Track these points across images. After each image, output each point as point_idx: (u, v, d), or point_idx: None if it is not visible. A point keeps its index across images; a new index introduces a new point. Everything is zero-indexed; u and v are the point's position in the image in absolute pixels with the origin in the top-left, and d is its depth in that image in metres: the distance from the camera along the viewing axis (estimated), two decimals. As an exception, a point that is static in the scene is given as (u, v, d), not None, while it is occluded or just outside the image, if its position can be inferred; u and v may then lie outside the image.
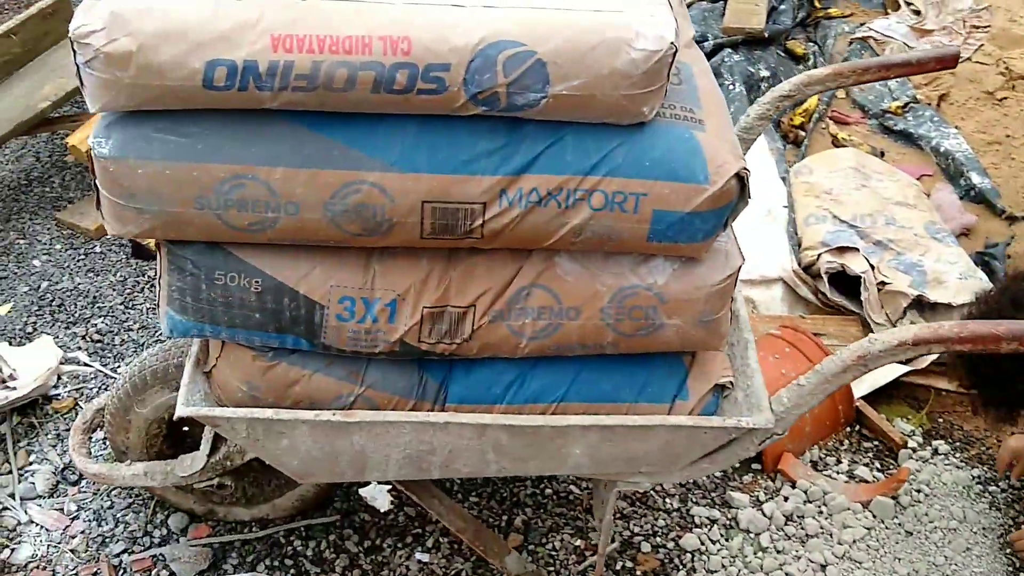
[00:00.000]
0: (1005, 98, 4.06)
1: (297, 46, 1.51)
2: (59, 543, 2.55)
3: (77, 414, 2.86)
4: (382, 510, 2.65)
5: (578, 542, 2.61)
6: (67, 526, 2.59)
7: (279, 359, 1.87)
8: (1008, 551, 2.55)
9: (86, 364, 3.02)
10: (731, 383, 2.01)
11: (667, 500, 2.72)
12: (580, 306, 1.81)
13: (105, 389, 2.94)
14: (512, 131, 1.65)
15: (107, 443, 2.74)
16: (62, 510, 2.63)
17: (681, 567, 2.55)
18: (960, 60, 4.24)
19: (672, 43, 1.56)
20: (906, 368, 2.93)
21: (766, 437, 1.94)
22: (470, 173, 1.64)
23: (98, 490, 2.67)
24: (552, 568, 2.55)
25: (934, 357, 2.96)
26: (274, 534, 2.59)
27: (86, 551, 2.54)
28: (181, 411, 1.84)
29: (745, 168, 1.70)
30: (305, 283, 1.76)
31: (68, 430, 2.82)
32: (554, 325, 1.83)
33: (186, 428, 2.54)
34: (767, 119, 2.38)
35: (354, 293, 1.78)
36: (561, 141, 1.65)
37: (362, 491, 2.68)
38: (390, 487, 2.69)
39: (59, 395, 2.93)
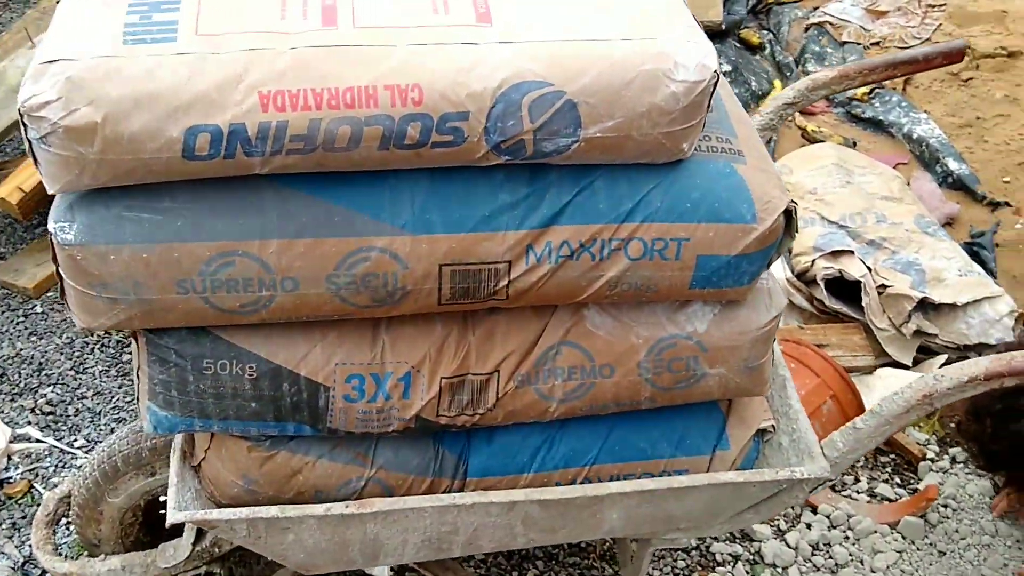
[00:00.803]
0: (971, 78, 3.99)
1: (291, 103, 1.29)
2: (29, 650, 2.30)
3: (32, 498, 2.60)
4: (383, 577, 2.45)
5: (598, 592, 2.44)
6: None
7: (277, 447, 1.66)
8: (1044, 562, 2.45)
9: (38, 440, 2.74)
10: (773, 427, 1.84)
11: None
12: (614, 363, 1.63)
13: (63, 466, 2.67)
14: (535, 178, 1.46)
15: (72, 531, 2.48)
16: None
17: (712, 610, 2.39)
18: (920, 41, 4.17)
19: (715, 72, 1.38)
20: (918, 376, 2.81)
21: (818, 485, 1.78)
22: (492, 230, 1.45)
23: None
24: (577, 625, 2.37)
25: (944, 360, 2.86)
26: (268, 619, 2.36)
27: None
28: (175, 517, 1.61)
29: (793, 202, 1.53)
30: (306, 364, 1.55)
31: (24, 518, 2.56)
32: (587, 385, 1.64)
33: (163, 512, 2.31)
34: (772, 130, 2.22)
35: (363, 370, 1.57)
36: (591, 187, 1.46)
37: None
38: (390, 551, 2.49)
39: (11, 478, 2.65)
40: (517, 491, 1.68)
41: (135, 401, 2.83)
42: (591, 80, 1.34)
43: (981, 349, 2.86)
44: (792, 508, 2.59)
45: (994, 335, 2.83)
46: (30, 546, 2.44)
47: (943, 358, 2.87)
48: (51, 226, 1.37)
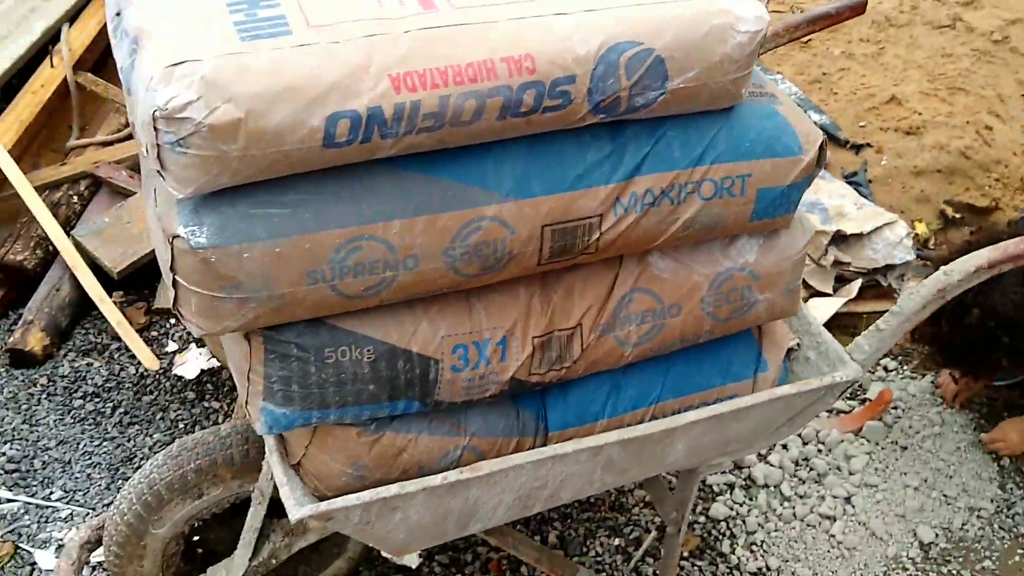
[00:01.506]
0: (809, 40, 4.39)
1: (419, 83, 1.36)
2: None
3: (21, 559, 2.46)
4: (414, 566, 2.50)
5: (616, 541, 2.58)
6: None
7: (382, 429, 1.70)
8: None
9: (10, 500, 2.60)
10: (798, 345, 2.05)
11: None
12: (681, 301, 1.77)
13: (45, 521, 2.54)
14: (616, 135, 1.58)
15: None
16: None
17: (722, 537, 2.58)
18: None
19: (768, 21, 1.55)
20: (842, 300, 3.12)
21: (847, 388, 1.99)
22: (586, 187, 1.56)
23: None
24: (605, 573, 2.50)
25: (860, 284, 3.18)
26: (311, 624, 2.36)
27: None
28: (300, 512, 1.62)
29: (824, 136, 1.73)
30: (416, 340, 1.61)
31: (17, 580, 2.43)
32: (658, 326, 1.78)
33: (196, 537, 2.26)
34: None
35: (466, 339, 1.64)
36: (664, 137, 1.60)
37: (384, 553, 2.51)
38: (414, 540, 2.54)
39: (-10, 543, 2.50)
40: (606, 434, 1.79)
41: (103, 442, 2.74)
42: (673, 36, 1.48)
43: (887, 270, 3.21)
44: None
45: (898, 256, 3.18)
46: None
47: (858, 282, 3.19)
48: (180, 231, 1.37)
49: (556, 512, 2.63)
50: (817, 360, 2.02)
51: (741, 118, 1.65)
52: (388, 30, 1.37)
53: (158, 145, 1.31)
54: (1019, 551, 2.56)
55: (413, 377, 1.62)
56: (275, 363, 1.55)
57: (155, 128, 1.29)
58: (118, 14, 1.47)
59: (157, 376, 2.92)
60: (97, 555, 2.37)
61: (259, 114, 1.29)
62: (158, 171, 1.35)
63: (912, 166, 3.70)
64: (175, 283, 1.44)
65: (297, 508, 1.64)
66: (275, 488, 1.74)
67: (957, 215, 3.55)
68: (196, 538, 2.26)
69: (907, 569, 2.51)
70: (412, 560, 2.51)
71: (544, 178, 1.54)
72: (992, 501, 2.66)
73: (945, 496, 2.66)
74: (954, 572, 2.51)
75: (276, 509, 2.02)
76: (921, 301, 1.89)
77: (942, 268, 1.89)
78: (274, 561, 2.10)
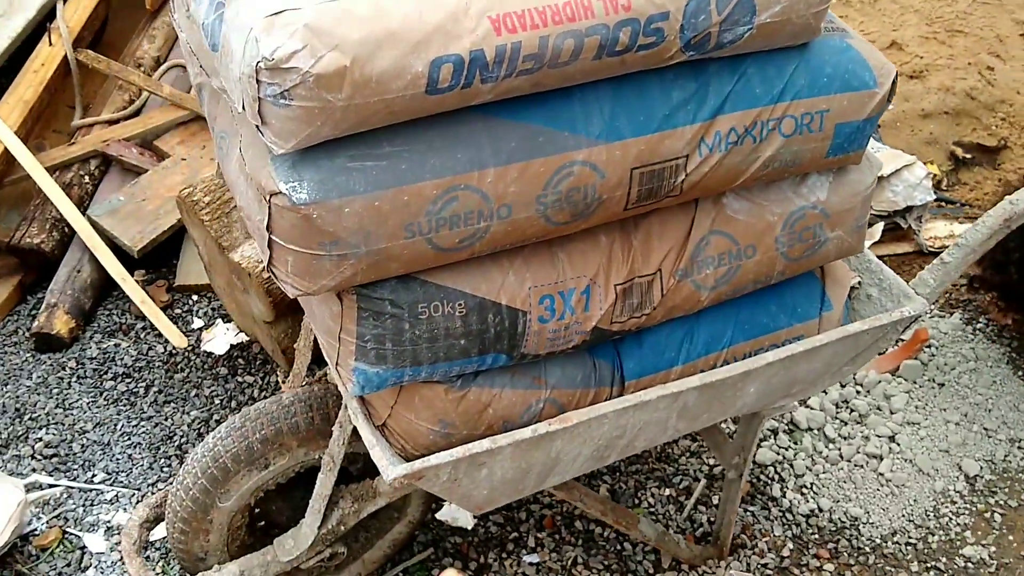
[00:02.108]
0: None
1: (519, 24, 1.33)
2: None
3: (70, 544, 2.42)
4: (468, 527, 2.49)
5: (667, 491, 2.59)
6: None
7: (468, 386, 1.68)
8: (1020, 372, 2.83)
9: (52, 485, 2.55)
10: (859, 283, 2.05)
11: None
12: (755, 242, 1.77)
13: (91, 504, 2.50)
14: (698, 75, 1.56)
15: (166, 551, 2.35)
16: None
17: (771, 481, 2.60)
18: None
19: (848, -49, 1.54)
20: (867, 243, 3.13)
21: (911, 323, 2.01)
22: (672, 127, 1.55)
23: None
24: (660, 522, 2.51)
25: (881, 227, 3.20)
26: (374, 591, 2.35)
27: None
28: (396, 472, 1.60)
29: (895, 67, 1.72)
30: (504, 293, 1.59)
31: (68, 565, 2.38)
32: (734, 268, 1.77)
33: (258, 510, 2.24)
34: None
35: (551, 289, 1.63)
36: (745, 75, 1.59)
37: (439, 515, 2.50)
38: (467, 501, 2.53)
39: (36, 530, 2.46)
40: (688, 379, 1.78)
41: (140, 422, 2.69)
42: (761, -30, 1.47)
43: (907, 212, 3.22)
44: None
45: (918, 197, 3.20)
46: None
47: (880, 225, 3.21)
48: (282, 187, 1.34)
49: (606, 467, 2.63)
50: (879, 297, 2.03)
51: (818, 53, 1.64)
52: (482, -29, 1.34)
53: (259, 98, 1.27)
54: (1062, 479, 2.61)
55: (502, 330, 1.60)
56: (368, 321, 1.52)
57: (257, 80, 1.25)
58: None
59: (186, 353, 2.88)
60: (155, 533, 2.34)
61: (364, 61, 1.26)
62: (257, 126, 1.31)
63: (919, 109, 3.72)
64: (270, 243, 1.41)
65: (392, 468, 1.62)
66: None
67: (967, 156, 3.58)
68: (257, 511, 2.23)
69: (955, 502, 2.55)
70: (468, 521, 2.51)
71: (632, 120, 1.52)
72: (1032, 432, 2.70)
73: (986, 429, 2.69)
74: (1001, 502, 2.55)
75: (342, 476, 2.01)
76: (987, 231, 1.90)
77: (1007, 198, 1.89)
78: (342, 528, 2.08)
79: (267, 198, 1.36)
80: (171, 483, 2.14)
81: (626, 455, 1.95)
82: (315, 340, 2.25)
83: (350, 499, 2.06)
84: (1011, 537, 2.48)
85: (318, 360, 2.25)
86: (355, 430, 1.90)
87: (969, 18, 4.18)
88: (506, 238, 1.51)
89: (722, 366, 1.87)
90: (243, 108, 1.31)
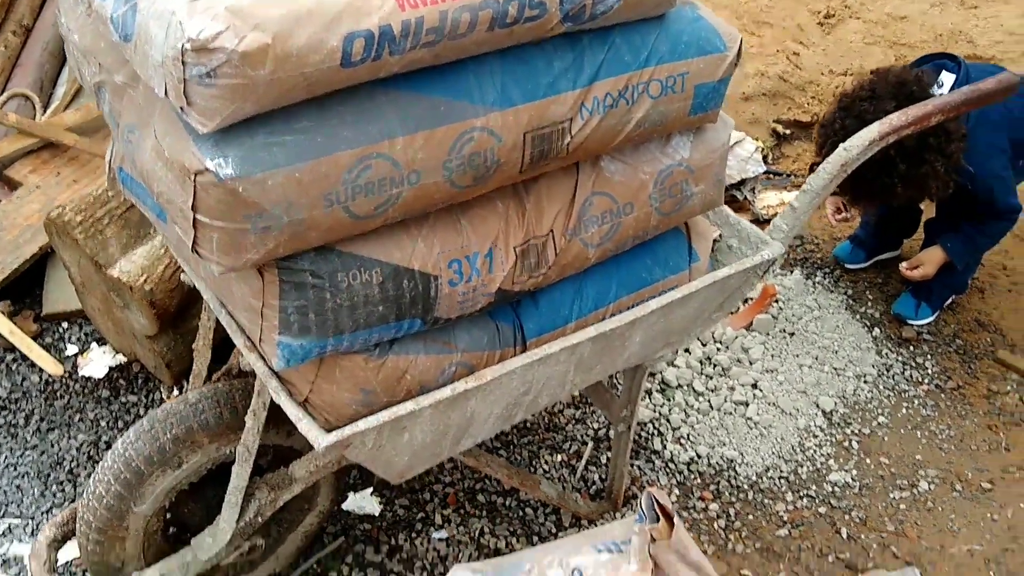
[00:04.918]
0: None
1: (420, 1, 1.45)
2: None
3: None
4: (376, 513, 2.56)
5: (559, 457, 2.73)
6: None
7: (385, 354, 1.77)
8: (857, 316, 3.14)
9: (-65, 526, 2.45)
10: (720, 235, 2.26)
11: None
12: (632, 200, 1.94)
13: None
14: (574, 46, 1.72)
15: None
16: None
17: (652, 436, 2.79)
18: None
19: (694, -70, 1.74)
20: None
21: (770, 267, 2.23)
22: (556, 93, 1.69)
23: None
24: (560, 483, 2.65)
25: (722, 199, 3.46)
26: (290, 585, 2.39)
27: None
28: (325, 441, 1.67)
29: (740, 34, 1.94)
30: (416, 258, 1.69)
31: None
32: (616, 225, 1.94)
33: (170, 515, 2.23)
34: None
35: (458, 254, 1.74)
36: (614, 45, 1.76)
37: (346, 505, 2.56)
38: (372, 490, 2.61)
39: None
40: (583, 331, 1.93)
41: (25, 451, 2.62)
42: (625, -53, 1.64)
43: (741, 184, 3.51)
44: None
45: (750, 170, 3.49)
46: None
47: (720, 198, 3.47)
48: (208, 165, 1.40)
49: (499, 441, 2.75)
50: (740, 246, 2.25)
51: (675, 22, 1.82)
52: (383, -47, 1.45)
53: (184, 80, 1.33)
54: (904, 405, 2.91)
55: (416, 295, 1.70)
56: (291, 293, 1.59)
57: (183, 62, 1.32)
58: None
59: (64, 380, 2.82)
60: (65, 554, 2.30)
61: (285, 38, 1.34)
62: (181, 108, 1.37)
63: (740, 93, 4.05)
64: (195, 222, 1.47)
65: (322, 437, 1.69)
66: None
67: (787, 131, 3.92)
68: (169, 516, 2.23)
69: (817, 436, 2.81)
70: (375, 508, 2.57)
71: (521, 88, 1.65)
72: (873, 367, 3.00)
73: (835, 369, 2.98)
74: (856, 431, 2.83)
75: (253, 469, 2.04)
76: (828, 177, 2.14)
77: (841, 145, 2.14)
78: (260, 519, 2.11)
79: (191, 178, 1.42)
80: (75, 502, 2.12)
81: (531, 412, 2.08)
82: (213, 339, 2.28)
83: (266, 489, 2.10)
84: (868, 460, 2.76)
85: (217, 360, 2.27)
86: (267, 418, 1.96)
87: (772, 11, 4.57)
88: (416, 203, 1.62)
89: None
90: (166, 92, 1.37)
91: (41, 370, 2.79)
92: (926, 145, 2.75)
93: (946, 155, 2.77)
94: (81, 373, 2.83)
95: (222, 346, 2.38)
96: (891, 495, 2.65)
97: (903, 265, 3.09)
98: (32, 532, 2.43)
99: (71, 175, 3.14)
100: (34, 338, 2.87)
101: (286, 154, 1.45)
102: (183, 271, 2.09)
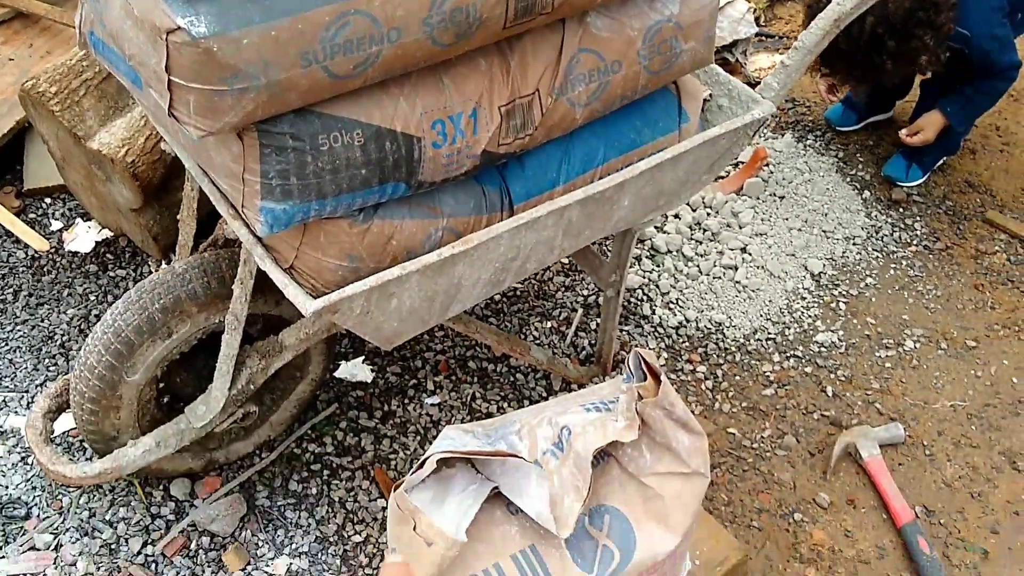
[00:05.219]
0: None
1: None
2: None
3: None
4: (368, 380, 2.59)
5: (548, 324, 2.75)
6: (56, 558, 2.21)
7: (370, 219, 1.75)
8: (847, 178, 3.12)
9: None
10: (710, 95, 2.22)
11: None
12: (620, 57, 1.89)
13: (-22, 414, 2.45)
14: None
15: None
16: (34, 548, 2.23)
17: (641, 302, 2.80)
18: None
19: None
20: (701, 77, 3.32)
21: (760, 126, 2.19)
22: (540, -57, 1.63)
23: (62, 507, 2.29)
24: (550, 349, 2.68)
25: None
26: (285, 451, 2.43)
27: (98, 569, 2.20)
28: (313, 306, 1.67)
29: None
30: (398, 119, 1.66)
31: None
32: (603, 84, 1.89)
33: (163, 384, 2.26)
34: None
35: (441, 114, 1.70)
36: None
37: (338, 373, 2.59)
38: (363, 358, 2.63)
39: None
40: (571, 194, 1.91)
41: (16, 326, 2.63)
42: None
43: (733, 46, 3.43)
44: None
45: (742, 31, 3.41)
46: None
47: (711, 61, 3.40)
48: (180, 22, 1.35)
49: (489, 310, 2.76)
50: (730, 106, 2.21)
51: None
52: None
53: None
54: (892, 266, 2.92)
55: (399, 157, 1.68)
56: (271, 157, 1.56)
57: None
58: None
59: (50, 256, 2.80)
60: (60, 424, 2.33)
61: None
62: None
63: (732, -49, 3.92)
64: (170, 84, 1.42)
65: (309, 303, 1.68)
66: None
67: (780, -9, 3.82)
68: (162, 385, 2.25)
69: (805, 298, 2.82)
70: (367, 375, 2.60)
71: (502, -60, 1.59)
72: (863, 229, 3.00)
73: (824, 231, 2.97)
74: (843, 292, 2.85)
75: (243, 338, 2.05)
76: (821, 33, 2.08)
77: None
78: (251, 387, 2.13)
79: (163, 37, 1.37)
80: (68, 375, 2.13)
81: (519, 278, 2.08)
82: (198, 211, 2.26)
83: (257, 356, 2.11)
84: (855, 321, 2.78)
85: (204, 232, 2.26)
86: (256, 287, 1.96)
87: None
88: (396, 62, 1.57)
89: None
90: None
91: (26, 246, 2.77)
92: (915, 20, 2.69)
93: (935, 27, 2.71)
94: (67, 248, 2.81)
95: (208, 219, 2.36)
96: (877, 354, 2.68)
97: (903, 132, 3.06)
98: (27, 405, 2.45)
99: (44, 46, 3.05)
100: (17, 214, 2.84)
101: (261, 11, 1.40)
102: (164, 140, 2.05)
